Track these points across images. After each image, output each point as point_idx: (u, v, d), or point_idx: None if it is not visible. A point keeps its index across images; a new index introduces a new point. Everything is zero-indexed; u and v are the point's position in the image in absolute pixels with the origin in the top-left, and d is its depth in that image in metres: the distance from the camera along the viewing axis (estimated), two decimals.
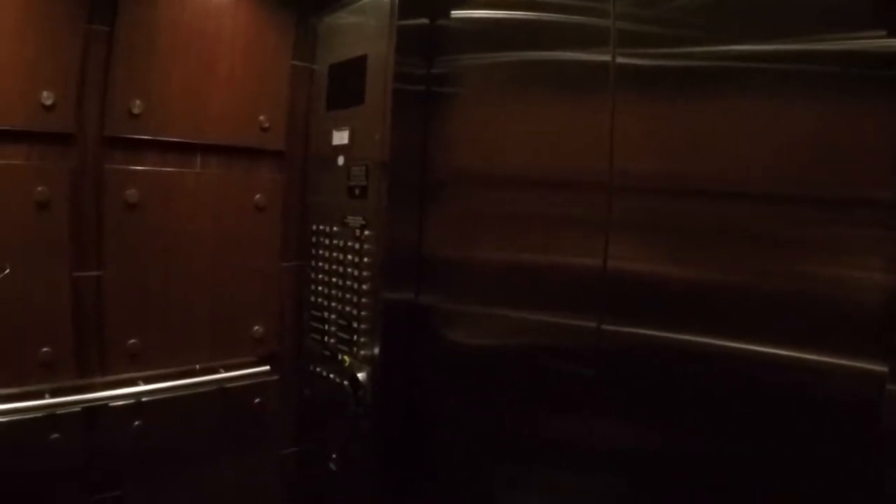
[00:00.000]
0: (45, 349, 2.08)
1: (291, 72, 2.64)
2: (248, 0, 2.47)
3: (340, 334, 2.45)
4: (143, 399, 2.26)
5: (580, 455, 1.84)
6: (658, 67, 1.68)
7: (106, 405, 2.19)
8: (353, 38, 2.43)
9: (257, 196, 2.56)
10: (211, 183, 2.45)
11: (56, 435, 2.07)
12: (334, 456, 2.49)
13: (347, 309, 2.40)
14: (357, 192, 2.35)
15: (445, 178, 2.28)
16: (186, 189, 2.38)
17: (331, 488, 2.55)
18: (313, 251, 2.62)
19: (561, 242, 1.92)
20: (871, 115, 1.32)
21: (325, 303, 2.54)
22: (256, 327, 2.60)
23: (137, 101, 2.22)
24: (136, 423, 2.25)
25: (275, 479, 2.72)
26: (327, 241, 2.52)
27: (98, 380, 2.21)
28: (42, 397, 2.05)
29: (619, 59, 1.75)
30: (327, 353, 2.53)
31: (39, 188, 2.04)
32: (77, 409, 2.11)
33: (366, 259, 2.32)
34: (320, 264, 2.57)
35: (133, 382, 2.27)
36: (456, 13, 2.26)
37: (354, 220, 2.36)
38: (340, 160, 2.45)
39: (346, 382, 2.34)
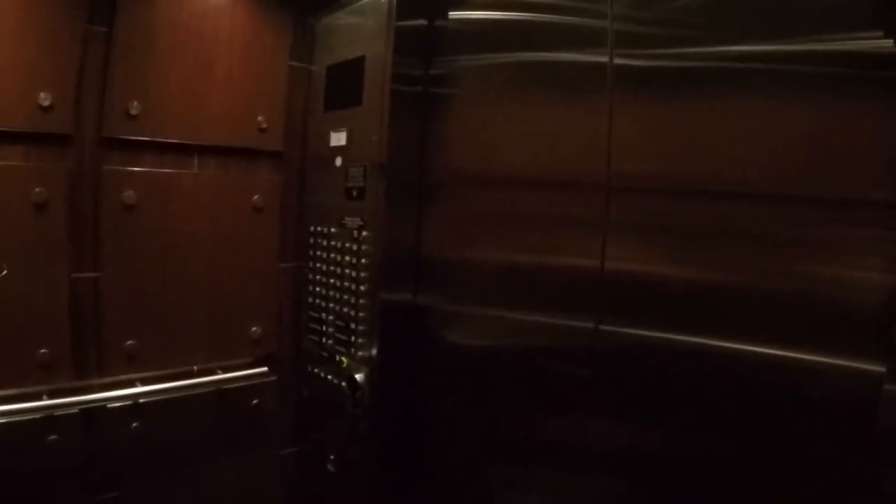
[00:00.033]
0: (42, 350, 2.08)
1: (289, 72, 2.64)
2: (246, 1, 2.47)
3: (338, 335, 2.45)
4: (141, 400, 2.26)
5: (577, 455, 1.84)
6: (655, 68, 1.68)
7: (104, 406, 2.18)
8: (350, 38, 2.43)
9: (255, 197, 2.55)
10: (208, 184, 2.44)
11: (54, 436, 2.07)
12: (332, 457, 2.49)
13: (345, 310, 2.40)
14: (355, 193, 2.35)
15: (443, 179, 2.28)
16: (184, 190, 2.38)
17: (329, 489, 2.55)
18: (311, 252, 2.62)
19: (558, 243, 1.92)
20: (868, 116, 1.32)
21: (323, 304, 2.54)
22: (254, 328, 2.60)
23: (135, 103, 2.21)
24: (134, 424, 2.25)
25: (273, 480, 2.72)
26: (325, 242, 2.52)
27: (96, 381, 2.21)
28: (40, 399, 2.05)
29: (617, 60, 1.75)
30: (325, 354, 2.53)
31: (37, 189, 2.03)
32: (75, 410, 2.11)
33: (363, 260, 2.32)
34: (318, 265, 2.57)
35: (131, 384, 2.27)
36: (454, 14, 2.26)
37: (352, 221, 2.36)
38: (338, 161, 2.45)
39: (343, 383, 2.34)
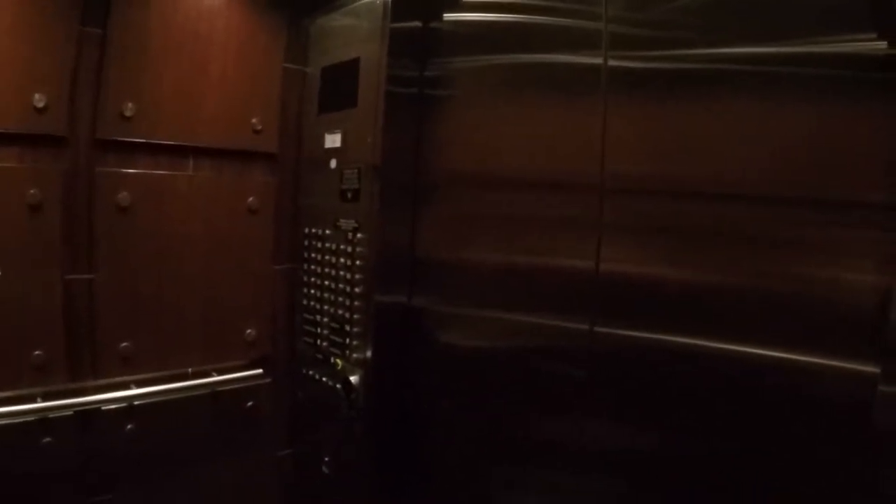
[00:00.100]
0: (37, 352, 2.07)
1: (284, 74, 2.64)
2: (241, 2, 2.47)
3: (333, 337, 2.45)
4: (136, 403, 2.26)
5: (573, 456, 1.85)
6: (650, 70, 1.68)
7: (98, 409, 2.18)
8: (345, 40, 2.43)
9: (250, 199, 2.55)
10: (203, 186, 2.44)
11: (48, 439, 2.07)
12: (327, 459, 2.49)
13: (340, 312, 2.40)
14: (349, 195, 2.35)
15: (438, 181, 2.29)
16: (178, 192, 2.38)
17: (324, 491, 2.55)
18: (305, 254, 2.62)
19: (553, 245, 1.92)
20: (864, 118, 1.33)
21: (318, 306, 2.54)
22: (249, 330, 2.59)
23: (129, 104, 2.21)
24: (129, 426, 2.25)
25: (268, 482, 2.71)
26: (319, 244, 2.52)
27: (90, 383, 2.21)
28: (34, 401, 2.05)
29: (611, 62, 1.76)
30: (320, 356, 2.53)
31: (31, 191, 2.03)
32: (69, 412, 2.11)
33: (358, 262, 2.32)
34: (313, 267, 2.57)
35: (125, 386, 2.26)
36: (448, 16, 2.26)
37: (347, 223, 2.36)
38: (333, 163, 2.45)
39: (338, 385, 2.34)
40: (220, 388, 2.47)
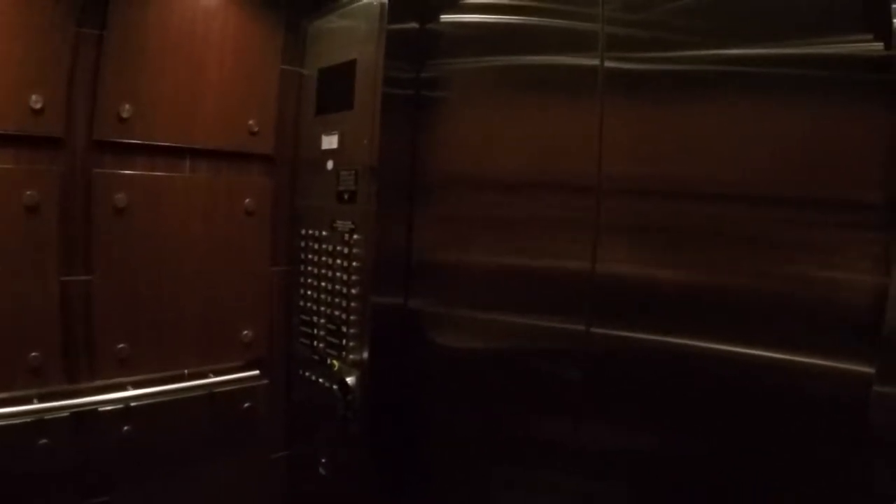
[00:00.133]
0: (33, 354, 2.07)
1: (281, 76, 2.64)
2: (238, 4, 2.47)
3: (329, 339, 2.45)
4: (132, 404, 2.25)
5: (569, 457, 1.85)
6: (646, 71, 1.69)
7: (95, 410, 2.18)
8: (342, 42, 2.43)
9: (246, 200, 2.55)
10: (200, 187, 2.44)
11: (44, 440, 2.06)
12: (323, 460, 2.49)
13: (336, 313, 2.40)
14: (346, 196, 2.35)
15: (435, 183, 2.29)
16: (175, 193, 2.38)
17: (321, 492, 2.55)
18: (302, 255, 2.62)
19: (549, 246, 1.93)
20: (859, 119, 1.33)
21: (314, 307, 2.54)
22: (246, 332, 2.59)
23: (126, 106, 2.21)
24: (125, 428, 2.24)
25: (265, 483, 2.71)
26: (316, 246, 2.52)
27: (86, 385, 2.20)
28: (30, 402, 2.05)
29: (608, 63, 1.76)
30: (316, 357, 2.53)
31: (28, 192, 2.03)
32: (65, 414, 2.10)
33: (355, 263, 2.32)
34: (309, 269, 2.57)
35: (122, 387, 2.26)
36: (445, 17, 2.27)
37: (343, 225, 2.37)
38: (329, 165, 2.45)
39: (335, 387, 2.33)
40: (217, 390, 2.47)
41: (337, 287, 2.40)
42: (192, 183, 2.42)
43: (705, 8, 1.58)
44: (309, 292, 2.58)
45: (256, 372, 2.60)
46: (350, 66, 2.35)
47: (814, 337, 1.38)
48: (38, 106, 2.02)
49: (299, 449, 2.72)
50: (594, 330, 1.79)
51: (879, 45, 1.29)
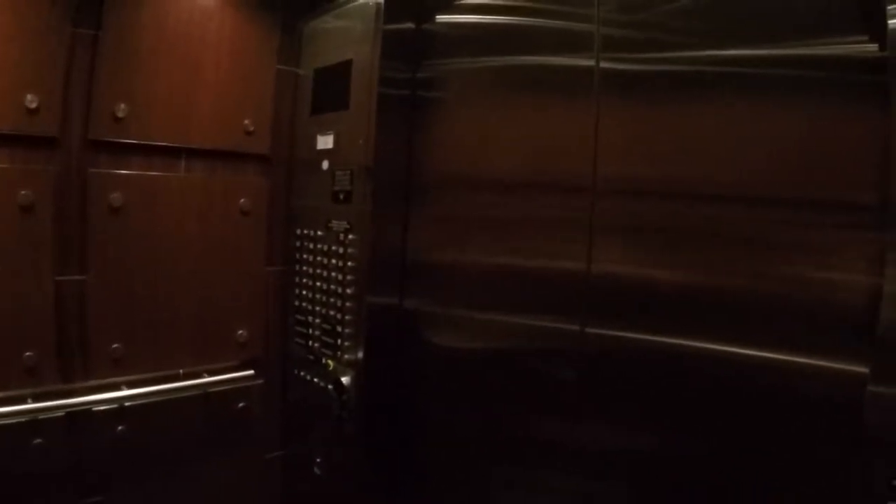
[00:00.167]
0: (27, 353, 2.06)
1: (276, 76, 2.64)
2: (234, 5, 2.47)
3: (325, 338, 2.45)
4: (127, 404, 2.25)
5: (564, 456, 1.85)
6: (642, 72, 1.70)
7: (89, 410, 2.17)
8: (338, 42, 2.43)
9: (242, 200, 2.55)
10: (195, 187, 2.44)
11: (39, 440, 2.06)
12: (319, 460, 2.49)
13: (331, 313, 2.40)
14: (341, 196, 2.35)
15: (430, 183, 2.29)
16: (171, 193, 2.38)
17: (316, 492, 2.55)
18: (297, 255, 2.62)
19: (545, 246, 1.93)
20: (854, 120, 1.34)
21: (310, 307, 2.54)
22: (241, 332, 2.59)
23: (122, 105, 2.21)
24: (120, 427, 2.24)
25: (259, 483, 2.71)
26: (311, 246, 2.52)
27: (81, 384, 2.20)
28: (25, 402, 2.04)
29: (603, 64, 1.76)
30: (311, 357, 2.53)
31: (23, 192, 2.03)
32: (60, 413, 2.10)
33: (350, 263, 2.32)
34: (304, 268, 2.57)
35: (116, 387, 2.26)
36: (441, 18, 2.27)
37: (339, 225, 2.36)
38: (325, 165, 2.45)
39: (330, 387, 2.33)
40: (212, 390, 2.47)
41: (332, 287, 2.40)
42: (187, 183, 2.42)
43: (701, 9, 1.58)
44: (304, 292, 2.57)
45: (251, 372, 2.60)
46: (346, 66, 2.35)
47: (809, 337, 1.39)
48: (34, 106, 2.02)
49: (294, 449, 2.72)
50: (589, 330, 1.80)
51: (874, 47, 1.30)
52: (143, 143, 2.30)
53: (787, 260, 1.43)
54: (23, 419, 2.02)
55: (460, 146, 2.21)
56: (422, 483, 2.35)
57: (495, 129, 2.09)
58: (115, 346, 2.26)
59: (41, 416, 2.06)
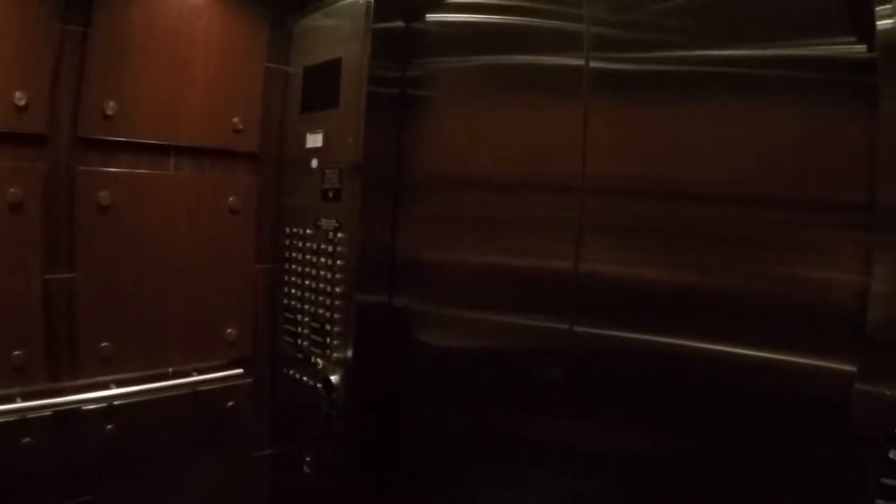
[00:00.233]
0: (16, 352, 2.06)
1: (266, 74, 2.63)
2: (223, 2, 2.46)
3: (314, 337, 2.45)
4: (116, 403, 2.24)
5: (554, 455, 1.86)
6: (631, 72, 1.70)
7: (78, 409, 2.17)
8: (328, 40, 2.43)
9: (231, 198, 2.55)
10: (184, 185, 2.44)
11: (27, 439, 2.05)
12: (308, 459, 2.49)
13: (321, 311, 2.40)
14: (331, 194, 2.35)
15: (419, 181, 2.29)
16: (160, 191, 2.37)
17: (305, 491, 2.55)
18: (287, 254, 2.62)
19: (533, 245, 1.93)
20: (843, 120, 1.35)
21: (299, 305, 2.54)
22: (230, 330, 2.59)
23: (111, 103, 2.20)
24: (109, 426, 2.23)
25: (249, 482, 2.70)
26: (300, 244, 2.52)
27: (70, 383, 2.19)
28: (13, 401, 2.03)
29: (593, 64, 1.77)
30: (300, 355, 2.53)
31: (11, 190, 2.02)
32: (48, 412, 2.09)
33: (339, 262, 2.32)
34: (294, 267, 2.57)
35: (105, 386, 2.25)
36: (431, 16, 2.27)
37: (328, 223, 2.36)
38: (314, 163, 2.45)
39: (319, 385, 2.33)
40: (201, 388, 2.46)
41: (321, 285, 2.40)
42: (176, 181, 2.42)
43: (691, 9, 1.59)
44: (293, 290, 2.57)
45: (240, 370, 2.60)
46: (335, 64, 2.35)
47: (798, 336, 1.40)
48: (22, 103, 2.01)
49: (283, 447, 2.72)
50: (578, 329, 1.80)
51: (863, 48, 1.30)
52: (131, 140, 2.29)
53: (775, 260, 1.44)
54: (11, 418, 2.02)
55: (449, 145, 2.21)
56: (411, 481, 2.36)
57: (484, 128, 2.09)
58: (103, 344, 2.26)
59: (29, 416, 2.05)
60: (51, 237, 2.14)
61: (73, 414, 2.16)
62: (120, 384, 2.28)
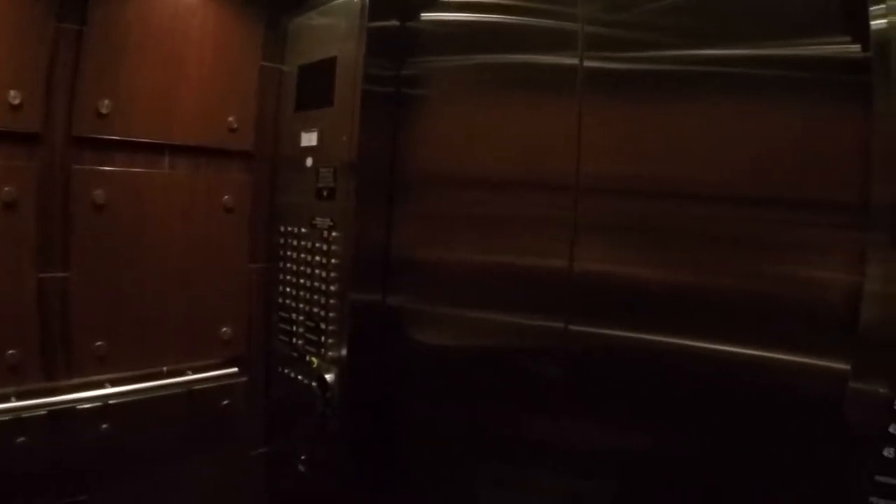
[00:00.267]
0: (10, 352, 2.05)
1: (261, 72, 2.63)
2: (218, 0, 2.46)
3: (308, 336, 2.45)
4: (111, 402, 2.24)
5: (548, 453, 1.86)
6: (625, 71, 1.71)
7: (73, 408, 2.16)
8: (323, 39, 2.43)
9: (225, 197, 2.54)
10: (179, 184, 2.43)
11: (22, 439, 2.05)
12: (303, 457, 2.49)
13: (315, 310, 2.40)
14: (325, 193, 2.36)
15: (414, 180, 2.29)
16: (154, 190, 2.37)
17: (300, 489, 2.55)
18: (281, 252, 2.62)
19: (528, 244, 1.94)
20: (837, 119, 1.35)
21: (293, 304, 2.54)
22: (224, 329, 2.59)
23: (106, 101, 2.20)
24: (104, 425, 2.23)
25: (244, 480, 2.70)
26: (295, 243, 2.52)
27: (65, 382, 2.19)
28: (8, 400, 2.03)
29: (587, 63, 1.77)
30: (295, 354, 2.53)
31: (6, 188, 2.01)
32: (43, 412, 2.09)
33: (333, 260, 2.32)
34: (288, 265, 2.57)
35: (100, 385, 2.25)
36: (426, 15, 2.27)
37: (322, 222, 2.37)
38: (309, 161, 2.45)
39: (314, 384, 2.34)
40: (196, 387, 2.46)
41: (316, 284, 2.40)
42: (171, 179, 2.41)
43: (685, 8, 1.59)
44: (288, 289, 2.57)
45: (235, 369, 2.59)
46: (330, 62, 2.35)
47: (792, 335, 1.40)
48: (17, 102, 2.01)
49: (278, 446, 2.72)
50: (572, 328, 1.80)
51: (857, 47, 1.31)
52: (126, 139, 2.28)
53: (769, 259, 1.44)
54: (6, 418, 2.01)
55: (444, 144, 2.21)
56: (405, 480, 2.36)
57: (479, 127, 2.10)
58: (98, 343, 2.26)
59: (24, 415, 2.05)
60: (45, 236, 2.14)
61: (67, 413, 2.15)
62: (115, 383, 2.27)
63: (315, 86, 2.45)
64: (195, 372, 2.48)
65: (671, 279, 1.61)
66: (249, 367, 2.67)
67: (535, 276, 1.91)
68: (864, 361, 1.25)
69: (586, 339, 1.78)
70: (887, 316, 1.22)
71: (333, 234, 2.31)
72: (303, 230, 2.48)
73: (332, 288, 2.32)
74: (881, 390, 1.21)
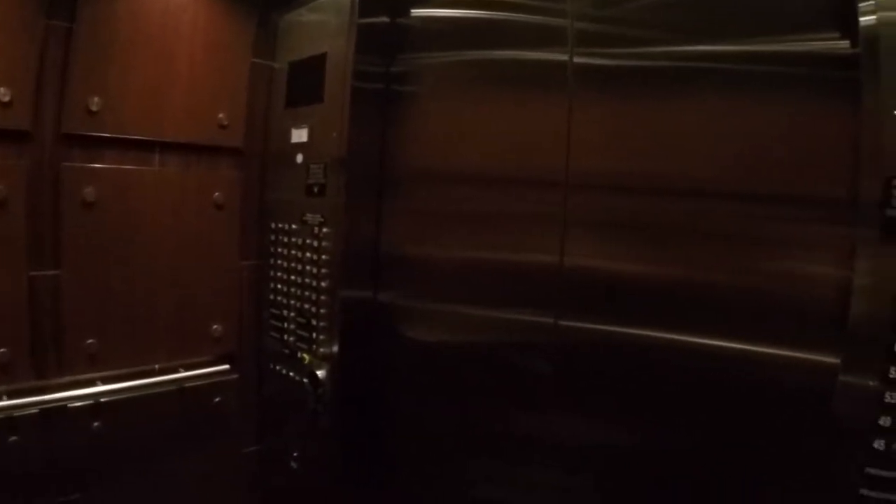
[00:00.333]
0: (1, 350, 2.05)
1: (251, 69, 2.63)
2: None
3: (299, 332, 2.45)
4: (102, 400, 2.24)
5: (538, 449, 1.86)
6: (615, 67, 1.71)
7: (64, 406, 2.16)
8: (313, 35, 2.43)
9: (216, 194, 2.54)
10: (169, 181, 2.43)
11: (14, 438, 2.04)
12: (295, 454, 2.49)
13: (306, 307, 2.40)
14: (316, 189, 2.36)
15: (404, 176, 2.29)
16: (145, 187, 2.36)
17: (292, 486, 2.55)
18: (272, 249, 2.62)
19: (518, 239, 1.94)
20: (826, 115, 1.36)
21: (284, 301, 2.54)
22: (216, 326, 2.59)
23: (95, 98, 2.19)
24: (95, 424, 2.23)
25: (236, 477, 2.70)
26: (286, 239, 2.52)
27: (56, 381, 2.19)
28: None
29: (577, 59, 1.77)
30: (287, 351, 2.53)
31: None
32: (34, 410, 2.08)
33: (324, 257, 2.32)
34: (279, 262, 2.57)
35: (91, 383, 2.24)
36: (416, 12, 2.27)
37: (313, 218, 2.37)
38: (299, 158, 2.45)
39: (305, 380, 2.34)
40: (187, 385, 2.46)
41: (307, 280, 2.40)
42: (161, 177, 2.41)
43: (675, 4, 1.59)
44: (279, 286, 2.57)
45: (227, 366, 2.60)
46: (320, 59, 2.35)
47: (782, 329, 1.41)
48: (6, 99, 2.00)
49: (270, 443, 2.72)
50: (562, 323, 1.81)
51: (846, 44, 1.32)
52: (116, 136, 2.28)
53: (759, 254, 1.45)
54: None
55: (434, 140, 2.22)
56: (397, 475, 2.36)
57: (469, 124, 2.10)
58: (89, 341, 2.25)
59: (15, 414, 2.04)
60: (35, 234, 2.13)
61: (59, 411, 2.15)
62: (106, 381, 2.27)
63: (305, 82, 2.45)
64: (186, 369, 2.48)
65: (661, 274, 1.62)
66: (241, 364, 2.67)
67: (524, 272, 1.91)
68: (853, 355, 1.26)
69: (576, 334, 1.78)
70: (875, 310, 1.23)
71: (324, 230, 2.31)
72: (293, 227, 2.47)
73: (323, 284, 2.32)
74: (870, 383, 1.22)
